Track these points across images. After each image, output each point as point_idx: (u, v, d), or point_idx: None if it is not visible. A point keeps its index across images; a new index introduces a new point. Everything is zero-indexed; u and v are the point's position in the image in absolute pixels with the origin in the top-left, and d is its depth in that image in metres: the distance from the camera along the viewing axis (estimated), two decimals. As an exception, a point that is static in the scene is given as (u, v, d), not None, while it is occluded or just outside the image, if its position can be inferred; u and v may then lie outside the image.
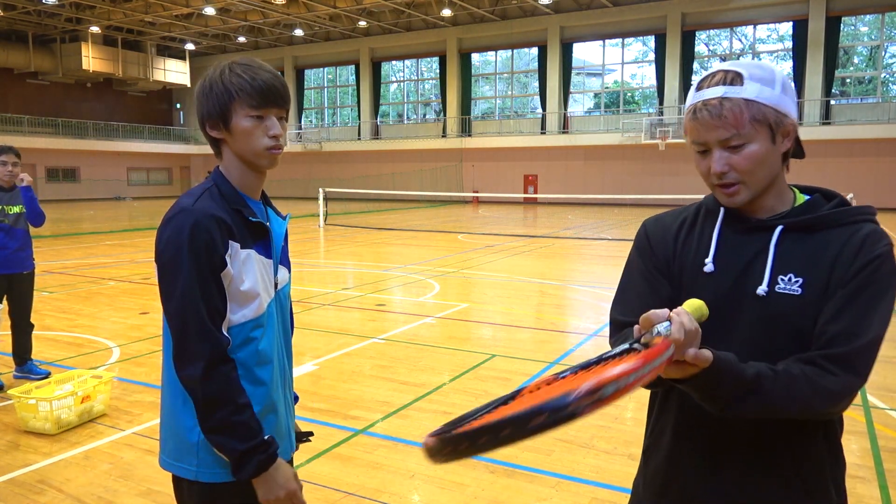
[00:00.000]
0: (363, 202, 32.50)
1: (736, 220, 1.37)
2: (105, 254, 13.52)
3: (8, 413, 4.60)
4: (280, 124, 1.66)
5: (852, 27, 28.63)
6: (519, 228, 20.07)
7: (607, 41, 32.49)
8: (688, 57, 30.19)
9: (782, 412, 1.22)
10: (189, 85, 41.25)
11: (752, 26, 29.44)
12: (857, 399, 4.77)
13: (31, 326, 5.43)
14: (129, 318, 7.62)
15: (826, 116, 27.70)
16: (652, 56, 31.78)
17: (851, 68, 29.67)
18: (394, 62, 38.43)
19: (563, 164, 32.85)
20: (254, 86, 1.59)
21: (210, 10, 30.52)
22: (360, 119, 38.39)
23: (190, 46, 39.65)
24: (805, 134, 26.75)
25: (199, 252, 1.54)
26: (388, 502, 3.37)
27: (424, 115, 38.40)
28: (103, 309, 8.15)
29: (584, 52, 34.20)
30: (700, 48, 31.28)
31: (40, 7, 30.66)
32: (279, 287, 1.76)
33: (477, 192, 33.02)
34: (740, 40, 30.52)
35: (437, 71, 36.52)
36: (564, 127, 33.03)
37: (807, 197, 1.39)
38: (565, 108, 33.05)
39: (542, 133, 33.11)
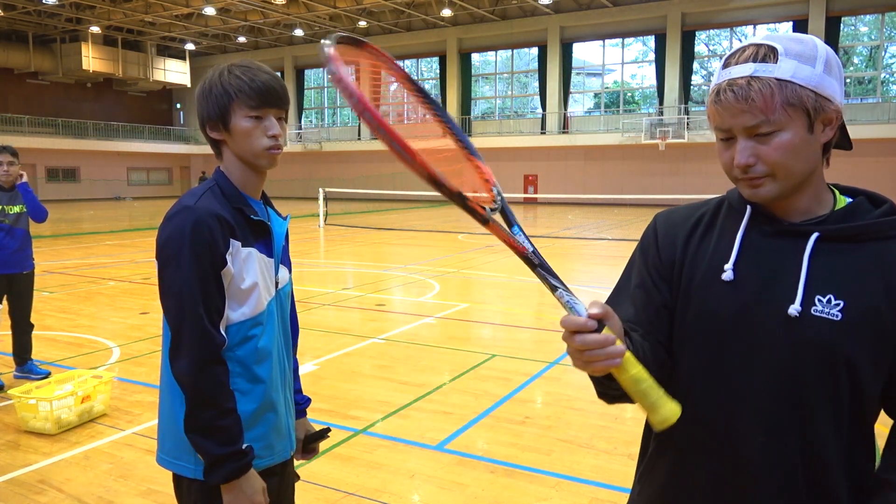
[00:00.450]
0: (363, 202, 32.49)
1: (765, 220, 1.16)
2: (105, 254, 13.52)
3: (8, 413, 4.60)
4: (279, 124, 1.67)
5: (852, 27, 28.63)
6: (519, 228, 20.04)
7: (607, 41, 32.49)
8: (688, 57, 30.19)
9: None
10: (189, 85, 41.24)
11: (752, 26, 29.43)
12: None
13: (31, 326, 5.43)
14: (129, 318, 7.62)
15: (826, 116, 27.71)
16: (652, 56, 31.78)
17: (851, 68, 29.66)
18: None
19: (563, 164, 32.84)
20: (252, 87, 1.60)
21: (210, 10, 30.52)
22: (359, 119, 38.31)
23: (190, 46, 39.64)
24: (805, 134, 26.76)
25: (200, 250, 1.55)
26: (388, 502, 3.37)
27: (424, 116, 38.38)
28: (103, 309, 8.15)
29: (584, 52, 34.19)
30: (700, 48, 31.30)
31: (40, 7, 30.65)
32: (279, 286, 1.77)
33: (477, 192, 32.98)
34: (740, 40, 30.50)
35: (437, 71, 36.51)
36: (564, 127, 33.02)
37: (849, 199, 1.17)
38: (565, 108, 33.04)
39: (542, 133, 33.10)
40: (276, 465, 1.76)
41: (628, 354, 0.98)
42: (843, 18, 27.56)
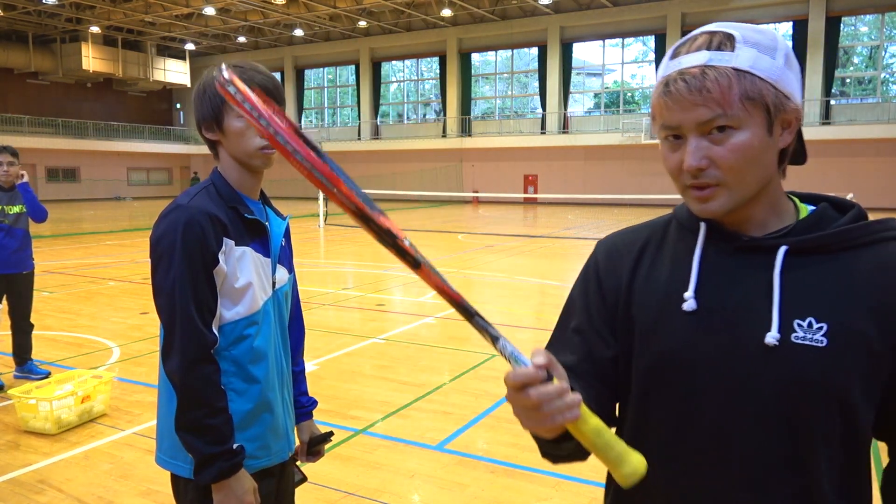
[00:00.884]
0: (363, 202, 32.44)
1: (722, 237, 1.01)
2: (105, 254, 13.52)
3: (8, 413, 4.60)
4: None
5: (852, 27, 28.62)
6: (519, 228, 20.07)
7: (607, 41, 32.48)
8: (688, 57, 30.17)
9: None
10: (189, 85, 41.23)
11: (752, 26, 29.42)
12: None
13: (31, 326, 5.43)
14: (129, 318, 7.62)
15: (826, 116, 27.70)
16: (652, 56, 31.78)
17: (851, 68, 29.66)
18: (394, 62, 38.41)
19: (563, 164, 32.84)
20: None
21: (210, 10, 30.51)
22: (360, 119, 38.38)
23: (190, 46, 39.64)
24: (805, 134, 26.09)
25: (192, 248, 1.56)
26: (388, 502, 3.37)
27: (424, 115, 38.39)
28: (103, 309, 8.15)
29: (583, 52, 34.18)
30: (700, 48, 31.25)
31: (40, 7, 30.65)
32: (277, 286, 1.77)
33: (477, 192, 33.02)
34: (740, 40, 30.52)
35: (437, 71, 36.51)
36: (564, 127, 33.02)
37: (811, 208, 1.04)
38: (565, 108, 33.04)
39: (542, 133, 33.10)
40: (274, 466, 1.76)
41: (583, 405, 0.86)
42: (843, 18, 27.55)
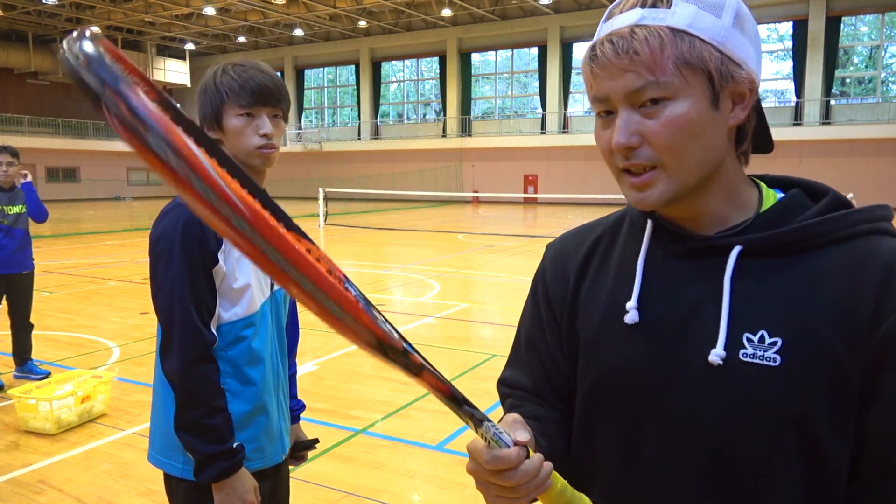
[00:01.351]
0: (363, 202, 32.49)
1: (670, 237, 0.88)
2: (105, 254, 13.52)
3: (8, 413, 4.60)
4: (274, 123, 1.65)
5: (852, 27, 28.62)
6: (519, 228, 20.07)
7: (607, 41, 32.48)
8: (688, 57, 30.18)
9: None
10: (189, 85, 41.24)
11: (752, 26, 29.42)
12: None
13: (31, 326, 5.43)
14: (129, 318, 7.62)
15: (826, 116, 27.70)
16: (652, 56, 31.78)
17: (851, 68, 29.66)
18: (394, 62, 38.42)
19: (563, 164, 32.83)
20: (243, 85, 1.60)
21: (210, 10, 30.51)
22: (360, 119, 38.38)
23: (190, 46, 39.65)
24: (805, 134, 26.80)
25: (191, 247, 1.55)
26: (388, 502, 3.37)
27: (424, 115, 38.39)
28: (103, 309, 8.15)
29: (583, 52, 34.14)
30: (700, 48, 31.26)
31: (40, 7, 30.65)
32: (275, 288, 1.75)
33: (477, 192, 33.02)
34: (740, 40, 30.53)
35: (437, 71, 36.51)
36: (564, 127, 33.02)
37: (780, 195, 0.88)
38: (565, 108, 33.04)
39: (542, 133, 33.11)
40: (268, 468, 1.75)
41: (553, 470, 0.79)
42: (843, 18, 27.55)
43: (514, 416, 0.80)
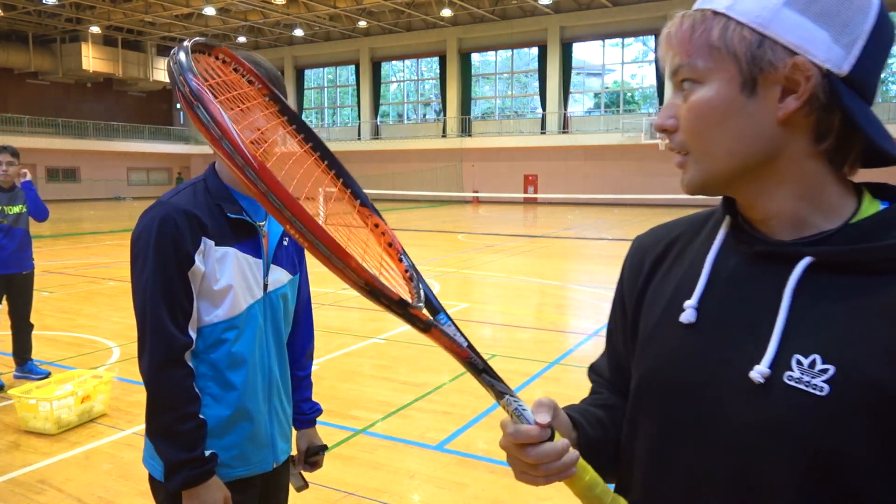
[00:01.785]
0: (363, 202, 32.46)
1: (743, 237, 0.81)
2: (105, 254, 13.53)
3: (8, 413, 4.60)
4: None
5: (852, 27, 28.62)
6: (519, 228, 20.07)
7: (607, 41, 32.48)
8: (688, 57, 30.17)
9: None
10: (189, 85, 41.21)
11: (752, 26, 29.43)
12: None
13: (31, 326, 5.43)
14: (129, 318, 7.57)
15: (826, 116, 27.71)
16: (652, 56, 31.77)
17: (851, 68, 29.65)
18: (394, 62, 38.42)
19: (563, 164, 32.84)
20: None
21: (210, 10, 30.51)
22: (360, 119, 38.39)
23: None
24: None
25: (166, 248, 1.51)
26: (388, 502, 3.37)
27: (424, 115, 38.39)
28: (103, 309, 8.15)
29: (584, 52, 34.18)
30: (700, 48, 31.26)
31: (40, 7, 30.65)
32: (271, 289, 1.69)
33: (477, 192, 33.02)
34: (740, 40, 30.53)
35: (437, 71, 36.51)
36: (564, 127, 33.02)
37: (884, 205, 0.77)
38: (565, 108, 33.04)
39: (542, 133, 33.11)
40: (254, 476, 1.69)
41: (580, 459, 0.83)
42: (843, 18, 27.54)
43: (547, 399, 0.83)
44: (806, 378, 0.71)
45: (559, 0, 30.98)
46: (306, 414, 1.90)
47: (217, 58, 0.96)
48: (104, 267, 11.81)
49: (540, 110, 33.77)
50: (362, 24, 34.29)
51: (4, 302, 5.28)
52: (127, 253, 1.61)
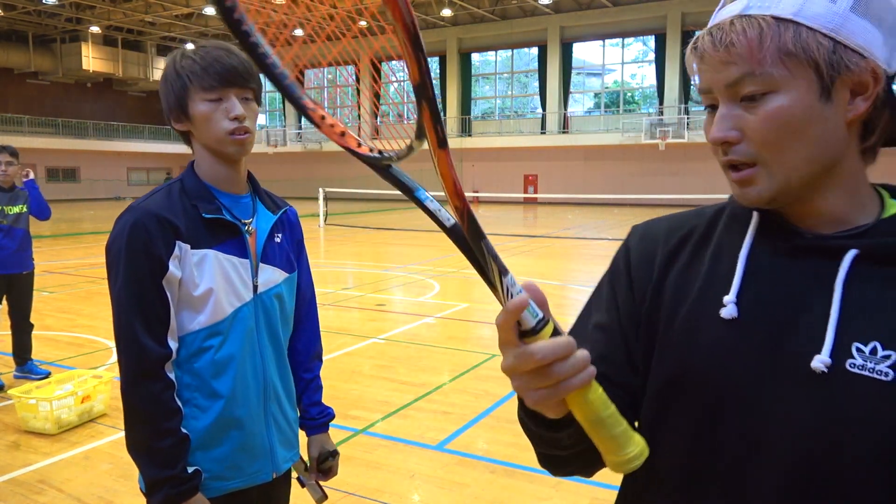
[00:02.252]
0: (363, 202, 32.49)
1: (779, 233, 0.81)
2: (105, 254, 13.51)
3: (8, 413, 4.60)
4: (245, 105, 1.51)
5: (852, 27, 28.62)
6: (519, 228, 20.07)
7: (607, 41, 32.49)
8: (688, 57, 30.18)
9: None
10: (189, 85, 41.29)
11: (752, 26, 29.41)
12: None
13: (31, 326, 5.43)
14: (129, 318, 7.62)
15: (826, 116, 27.70)
16: (652, 56, 31.77)
17: (851, 68, 29.65)
18: (393, 62, 38.38)
19: (563, 164, 32.84)
20: (205, 67, 1.47)
21: (210, 10, 30.52)
22: (359, 119, 38.35)
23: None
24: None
25: (136, 255, 1.44)
26: (388, 502, 3.37)
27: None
28: (103, 309, 8.15)
29: (584, 52, 34.18)
30: (700, 48, 31.26)
31: (40, 7, 30.66)
32: (262, 289, 1.60)
33: (477, 192, 33.02)
34: (740, 40, 30.53)
35: (437, 71, 36.52)
36: (564, 127, 33.03)
37: None
38: (565, 108, 33.05)
39: (542, 133, 33.11)
40: (250, 488, 1.60)
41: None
42: (843, 18, 27.54)
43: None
44: (870, 365, 0.71)
45: (559, 0, 30.98)
46: (316, 419, 1.81)
47: None
48: (104, 267, 11.80)
49: (540, 110, 33.78)
50: (362, 24, 34.29)
51: (4, 302, 5.28)
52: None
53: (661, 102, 30.79)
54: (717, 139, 0.78)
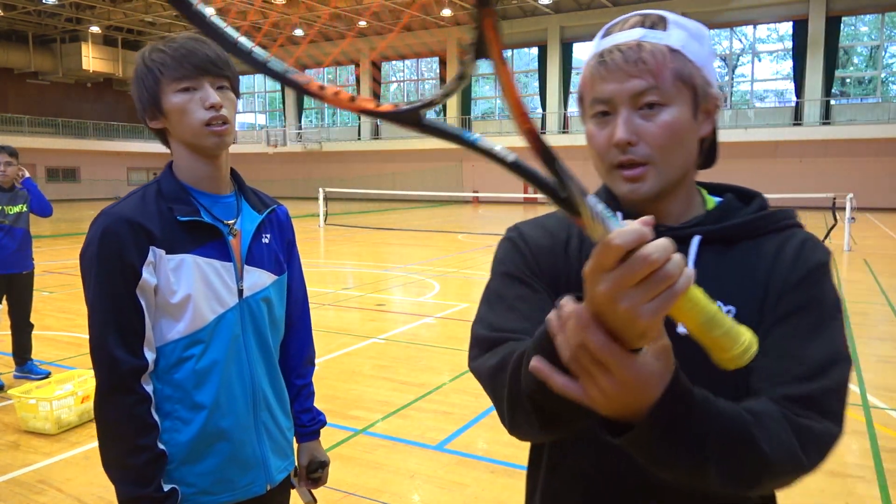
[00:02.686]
0: (363, 202, 32.49)
1: None
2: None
3: (8, 413, 4.60)
4: (221, 95, 1.44)
5: (852, 27, 28.62)
6: (519, 228, 20.04)
7: (607, 41, 32.51)
8: (688, 57, 30.20)
9: (760, 475, 0.81)
10: (189, 85, 41.27)
11: (752, 26, 29.42)
12: (857, 399, 4.77)
13: (31, 326, 5.43)
14: (129, 318, 7.61)
15: (826, 116, 27.69)
16: (652, 56, 31.79)
17: (851, 68, 29.66)
18: (394, 62, 38.43)
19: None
20: (175, 56, 1.40)
21: (210, 11, 30.52)
22: (359, 119, 38.39)
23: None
24: (805, 134, 26.78)
25: (107, 263, 1.38)
26: (388, 502, 3.37)
27: (425, 115, 38.40)
28: (103, 309, 8.15)
29: (584, 52, 34.15)
30: (700, 48, 31.28)
31: (40, 7, 30.66)
32: (248, 293, 1.52)
33: (477, 192, 33.02)
34: (740, 40, 30.50)
35: (438, 71, 36.52)
36: (564, 127, 33.03)
37: (717, 199, 1.06)
38: (565, 108, 33.05)
39: (541, 133, 32.95)
40: (243, 501, 1.54)
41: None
42: (843, 18, 27.54)
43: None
44: None
45: (559, 0, 30.98)
46: (307, 426, 1.74)
47: None
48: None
49: (540, 110, 33.77)
50: (362, 24, 34.30)
51: (4, 302, 5.28)
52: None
53: (661, 102, 30.79)
54: (624, 140, 0.92)
